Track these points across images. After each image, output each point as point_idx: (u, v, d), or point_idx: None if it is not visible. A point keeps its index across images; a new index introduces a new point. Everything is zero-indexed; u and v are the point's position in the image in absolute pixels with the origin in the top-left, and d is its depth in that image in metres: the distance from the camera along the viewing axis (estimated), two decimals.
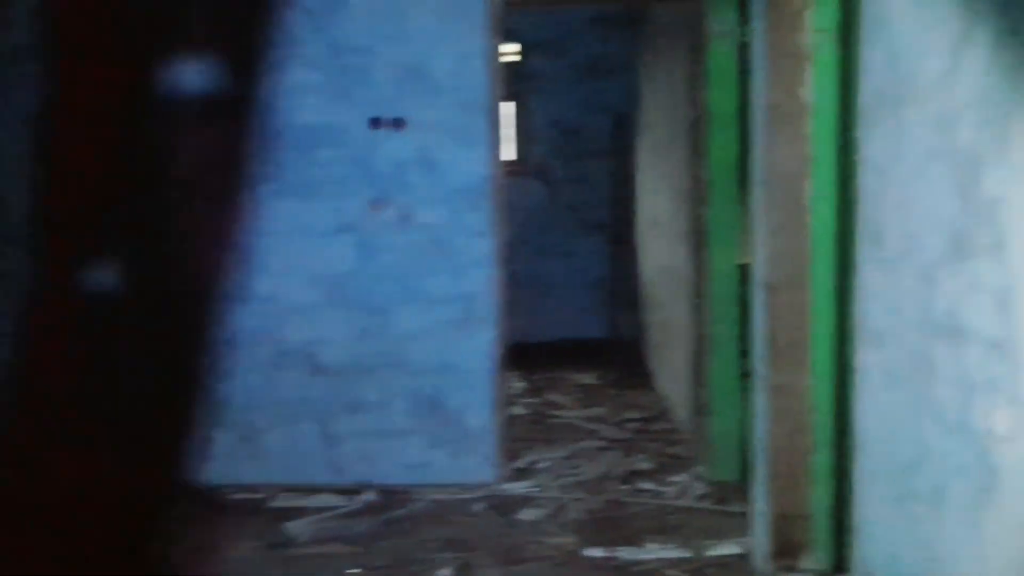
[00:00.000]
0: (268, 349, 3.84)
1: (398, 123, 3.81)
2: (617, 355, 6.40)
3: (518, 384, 5.71)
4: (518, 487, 3.91)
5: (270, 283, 3.76)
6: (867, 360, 2.12)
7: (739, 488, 3.69)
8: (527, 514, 3.60)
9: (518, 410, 5.09)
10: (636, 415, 4.99)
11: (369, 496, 3.77)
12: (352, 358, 3.88)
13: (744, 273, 3.57)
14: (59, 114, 0.43)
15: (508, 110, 6.60)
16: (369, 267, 3.88)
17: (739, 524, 3.34)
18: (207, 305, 0.45)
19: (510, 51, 6.45)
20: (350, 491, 3.81)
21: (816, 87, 2.60)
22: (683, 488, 3.82)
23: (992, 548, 1.59)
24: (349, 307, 3.87)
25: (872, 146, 2.04)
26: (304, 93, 3.75)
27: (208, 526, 0.51)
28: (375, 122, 3.82)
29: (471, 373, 3.91)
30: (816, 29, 2.60)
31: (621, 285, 6.56)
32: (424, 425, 3.92)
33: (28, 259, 0.44)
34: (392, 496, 3.77)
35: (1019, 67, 1.44)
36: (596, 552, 3.21)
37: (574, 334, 6.85)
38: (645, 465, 4.15)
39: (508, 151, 6.47)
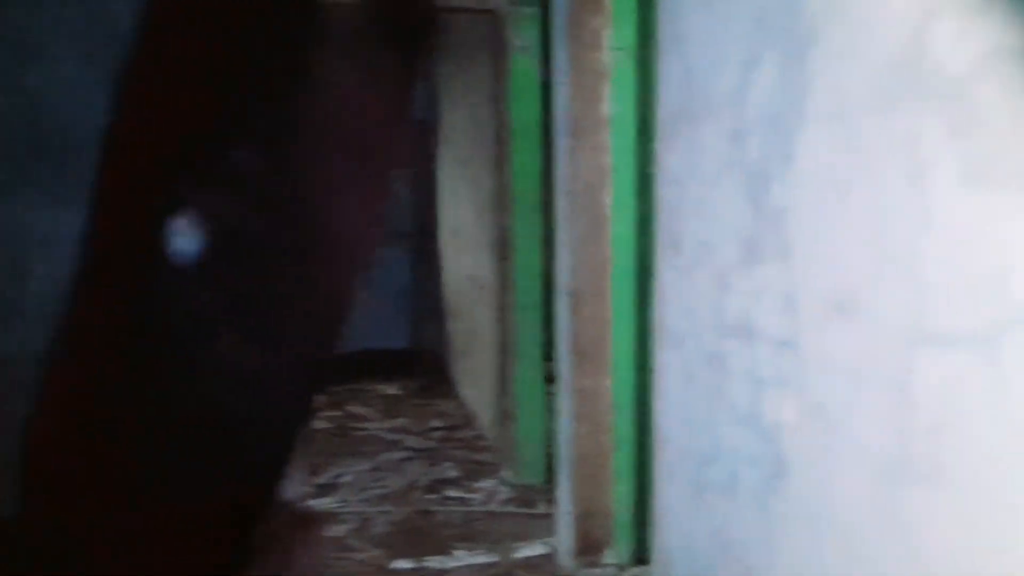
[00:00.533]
0: None
1: None
2: (421, 365, 6.38)
3: (322, 397, 5.55)
4: (321, 503, 3.79)
5: None
6: (666, 361, 2.23)
7: (545, 490, 3.79)
8: (332, 531, 3.49)
9: (319, 424, 4.94)
10: (441, 424, 5.00)
11: None
12: None
13: (548, 280, 3.67)
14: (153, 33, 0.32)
15: None
16: None
17: (545, 525, 3.43)
18: (338, 286, 0.36)
19: None
20: None
21: (616, 102, 2.73)
22: (490, 493, 3.86)
23: (779, 530, 1.72)
24: None
25: (670, 158, 2.16)
26: None
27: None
28: None
29: None
30: (615, 47, 2.73)
31: (424, 294, 6.56)
32: None
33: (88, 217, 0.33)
34: None
35: (801, 87, 1.58)
36: (404, 564, 3.17)
37: (376, 344, 6.76)
38: (451, 473, 4.16)
39: None
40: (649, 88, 2.53)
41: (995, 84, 1.12)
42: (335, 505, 3.78)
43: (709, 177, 1.94)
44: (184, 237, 0.34)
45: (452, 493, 3.89)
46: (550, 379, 3.52)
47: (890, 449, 1.34)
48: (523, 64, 3.72)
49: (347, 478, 4.11)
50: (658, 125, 2.24)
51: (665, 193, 2.20)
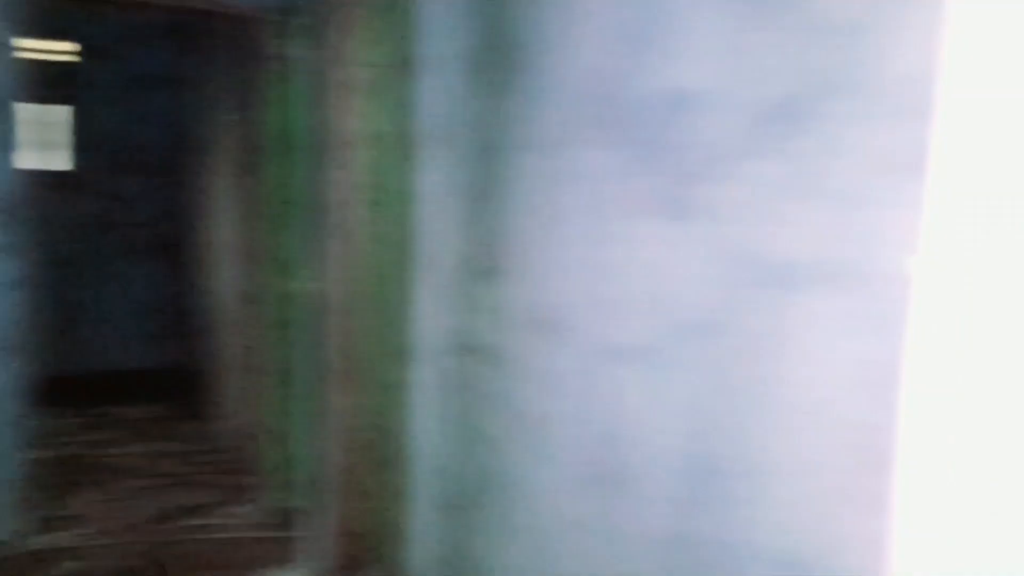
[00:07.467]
0: None
1: None
2: (179, 385, 6.03)
3: (60, 421, 5.10)
4: (53, 539, 3.46)
5: None
6: (418, 378, 2.25)
7: (303, 512, 3.68)
8: (63, 568, 3.20)
9: (59, 451, 4.53)
10: (197, 447, 4.74)
11: None
12: None
13: (309, 297, 3.59)
14: None
15: (61, 116, 6.05)
16: None
17: (303, 548, 3.33)
18: None
19: (64, 51, 5.85)
20: None
21: (372, 119, 2.72)
22: (245, 518, 3.71)
23: (503, 538, 1.78)
24: None
25: (424, 178, 2.18)
26: None
27: None
28: None
29: None
30: (374, 64, 2.73)
31: (184, 311, 6.20)
32: None
33: None
34: None
35: (511, 119, 1.65)
36: None
37: (130, 364, 6.32)
38: (206, 499, 3.95)
39: (59, 161, 5.91)
40: (405, 107, 2.54)
41: None
42: (71, 540, 3.47)
43: (441, 197, 1.98)
44: None
45: (205, 520, 3.69)
46: (311, 398, 3.44)
47: (578, 455, 1.43)
48: (284, 75, 3.64)
49: (86, 510, 3.79)
50: (413, 144, 2.26)
51: (420, 212, 2.22)
